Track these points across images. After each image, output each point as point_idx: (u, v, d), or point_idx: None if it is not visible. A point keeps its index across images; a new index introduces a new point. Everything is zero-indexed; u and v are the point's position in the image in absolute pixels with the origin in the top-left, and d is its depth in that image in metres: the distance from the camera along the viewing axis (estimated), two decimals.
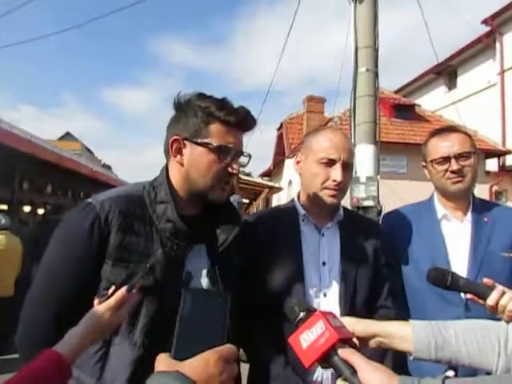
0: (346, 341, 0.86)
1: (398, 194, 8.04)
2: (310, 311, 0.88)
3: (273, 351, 1.32)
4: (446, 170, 1.59)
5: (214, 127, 1.14)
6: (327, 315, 0.86)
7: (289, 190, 14.69)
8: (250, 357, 1.43)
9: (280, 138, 17.52)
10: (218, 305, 0.79)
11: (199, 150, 1.15)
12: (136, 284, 0.95)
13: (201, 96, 1.19)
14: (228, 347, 0.75)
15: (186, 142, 1.16)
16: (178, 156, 1.18)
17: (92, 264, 1.06)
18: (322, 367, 0.86)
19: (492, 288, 1.17)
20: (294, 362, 1.32)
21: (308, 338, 0.83)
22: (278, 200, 15.32)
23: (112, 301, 0.91)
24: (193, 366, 0.70)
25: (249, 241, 1.38)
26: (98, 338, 0.92)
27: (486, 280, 1.21)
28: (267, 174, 20.82)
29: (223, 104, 1.16)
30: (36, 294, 1.07)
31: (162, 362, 0.72)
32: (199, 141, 1.14)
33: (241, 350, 1.39)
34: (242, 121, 1.17)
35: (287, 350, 1.27)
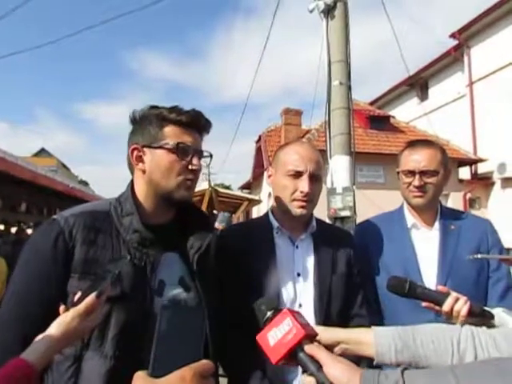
0: (311, 338, 0.88)
1: (376, 204, 8.17)
2: (278, 310, 0.89)
3: (249, 364, 1.32)
4: (410, 184, 1.67)
5: (169, 129, 1.19)
6: (294, 313, 0.88)
7: (269, 202, 14.74)
8: (227, 371, 1.43)
9: (259, 150, 17.61)
10: (195, 320, 0.79)
11: (158, 153, 1.19)
12: (105, 290, 0.95)
13: (153, 106, 1.24)
14: (204, 363, 0.75)
15: (144, 149, 1.20)
16: (140, 164, 1.21)
17: (58, 279, 1.06)
18: (289, 364, 0.87)
19: (447, 295, 1.22)
20: (271, 374, 1.33)
21: (275, 335, 0.85)
22: (258, 212, 15.35)
23: (81, 307, 0.90)
24: (169, 382, 0.70)
25: (223, 254, 1.40)
26: (66, 345, 0.91)
27: (440, 287, 1.27)
28: (247, 187, 20.86)
29: (174, 108, 1.22)
30: (3, 316, 1.05)
31: (139, 380, 0.72)
32: (157, 144, 1.19)
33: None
34: (194, 120, 1.22)
35: (264, 363, 1.28)
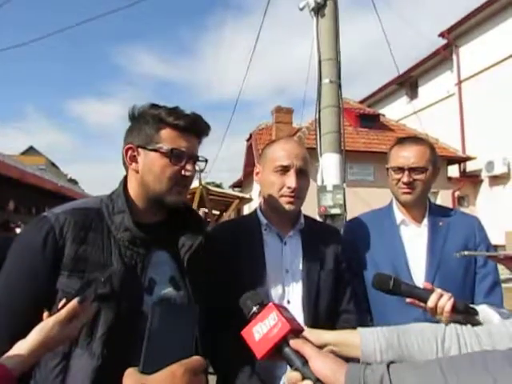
0: (297, 333, 0.88)
1: (366, 202, 8.22)
2: (264, 305, 0.89)
3: (238, 362, 1.32)
4: (399, 180, 1.68)
5: (165, 132, 1.17)
6: (280, 308, 0.88)
7: (259, 200, 14.73)
8: (216, 368, 1.43)
9: (250, 148, 17.60)
10: (186, 317, 0.79)
11: (152, 156, 1.17)
12: (89, 296, 0.94)
13: (153, 105, 1.22)
14: (195, 359, 0.75)
15: (139, 149, 1.19)
16: (133, 164, 1.20)
17: (47, 276, 1.05)
18: (274, 360, 0.87)
19: (431, 291, 1.23)
20: (260, 370, 1.33)
21: (261, 330, 0.84)
22: (249, 210, 15.28)
23: (62, 313, 0.89)
24: (160, 379, 0.71)
25: (212, 251, 1.39)
26: (48, 351, 0.89)
27: (425, 284, 1.28)
28: (238, 185, 20.87)
29: (173, 110, 1.20)
30: None
31: (130, 376, 0.72)
32: (151, 147, 1.17)
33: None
34: (192, 125, 1.20)
35: (253, 359, 1.27)
